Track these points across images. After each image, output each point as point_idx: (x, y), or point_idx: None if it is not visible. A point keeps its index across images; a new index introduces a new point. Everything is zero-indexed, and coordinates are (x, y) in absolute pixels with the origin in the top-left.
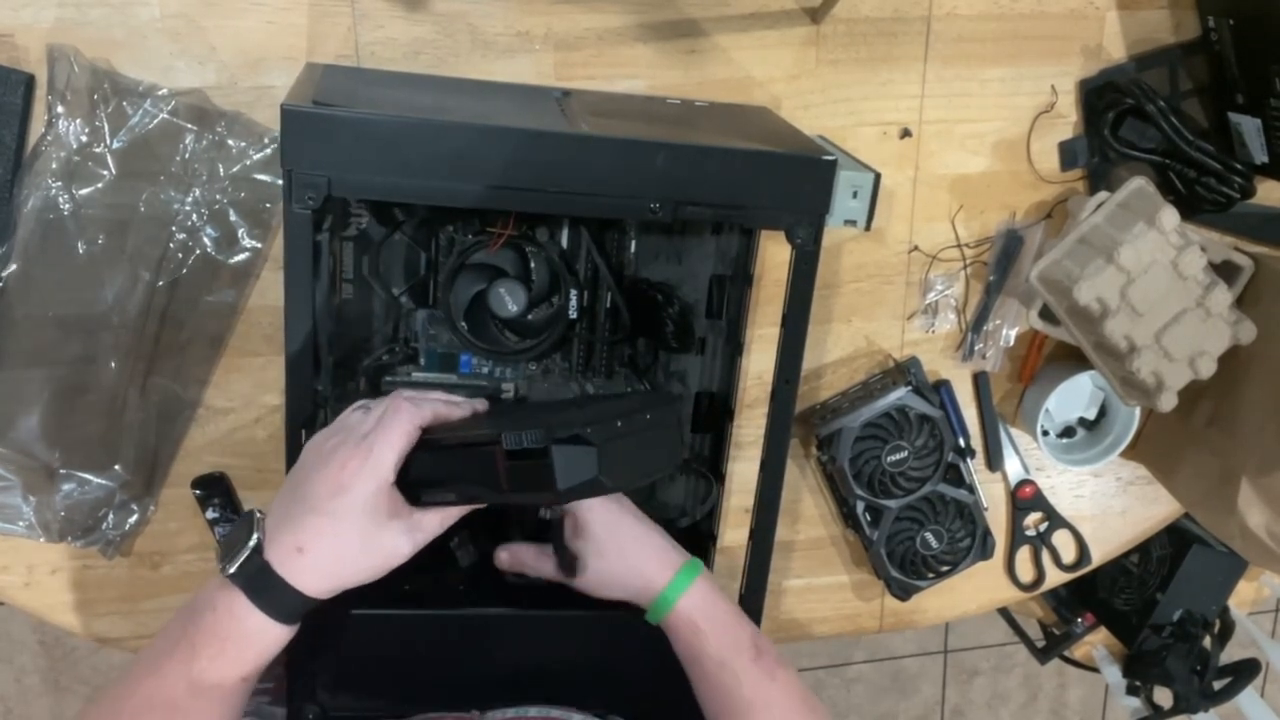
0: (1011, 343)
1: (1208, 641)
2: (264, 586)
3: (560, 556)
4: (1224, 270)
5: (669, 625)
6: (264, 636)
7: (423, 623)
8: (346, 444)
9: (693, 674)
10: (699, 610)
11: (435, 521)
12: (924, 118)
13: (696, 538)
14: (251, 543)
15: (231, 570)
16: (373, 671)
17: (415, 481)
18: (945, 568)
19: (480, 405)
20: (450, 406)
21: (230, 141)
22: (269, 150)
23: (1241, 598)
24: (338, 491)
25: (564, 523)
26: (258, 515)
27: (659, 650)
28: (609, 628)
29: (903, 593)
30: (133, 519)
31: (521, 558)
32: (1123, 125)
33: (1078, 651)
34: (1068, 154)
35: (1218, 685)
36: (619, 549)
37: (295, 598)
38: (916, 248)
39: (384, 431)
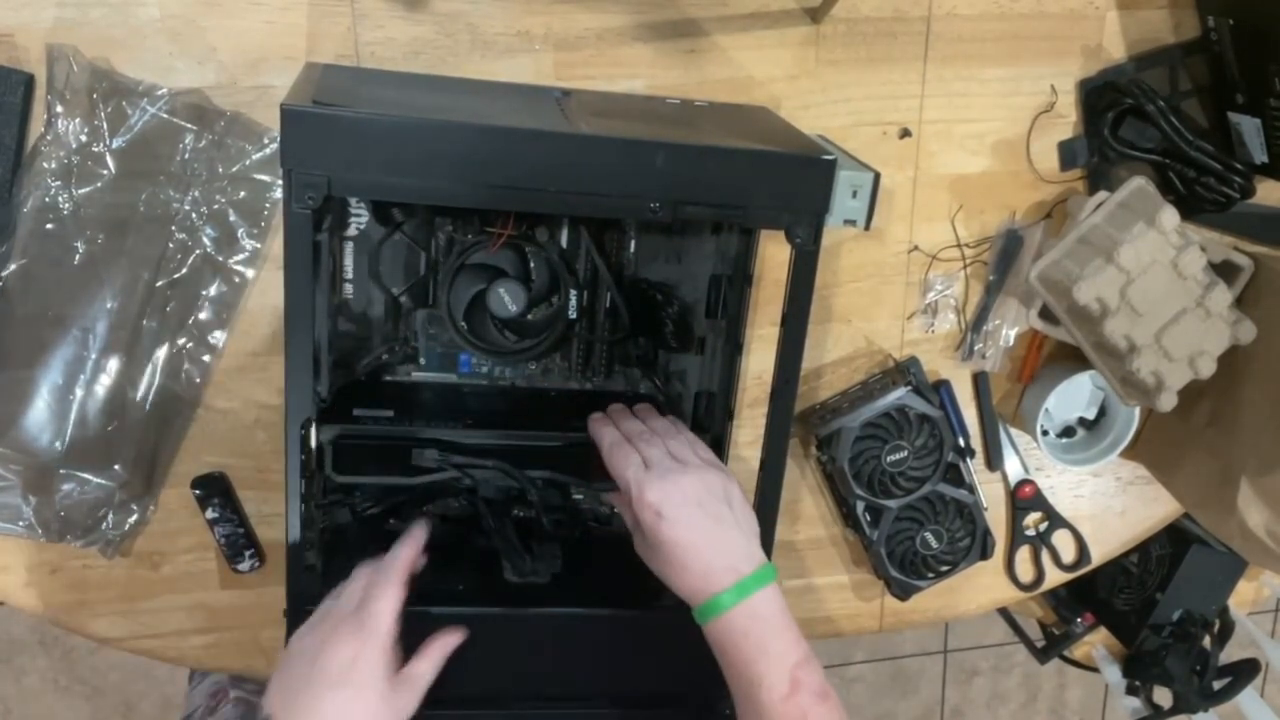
0: (1011, 343)
1: (1207, 641)
2: None
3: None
4: (1224, 270)
5: (707, 636)
6: None
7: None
8: (343, 622)
9: (729, 685)
10: (728, 637)
11: (426, 667)
12: (924, 118)
13: None
14: None
15: None
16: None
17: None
18: (945, 568)
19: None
20: (410, 546)
21: (230, 141)
22: (269, 150)
23: (1241, 598)
24: (352, 662)
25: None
26: (263, 715)
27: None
28: (621, 625)
29: (903, 593)
30: (132, 519)
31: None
32: (1122, 125)
33: (1077, 651)
34: (1067, 154)
35: (1217, 685)
36: (662, 561)
37: None
38: (916, 248)
39: (375, 599)
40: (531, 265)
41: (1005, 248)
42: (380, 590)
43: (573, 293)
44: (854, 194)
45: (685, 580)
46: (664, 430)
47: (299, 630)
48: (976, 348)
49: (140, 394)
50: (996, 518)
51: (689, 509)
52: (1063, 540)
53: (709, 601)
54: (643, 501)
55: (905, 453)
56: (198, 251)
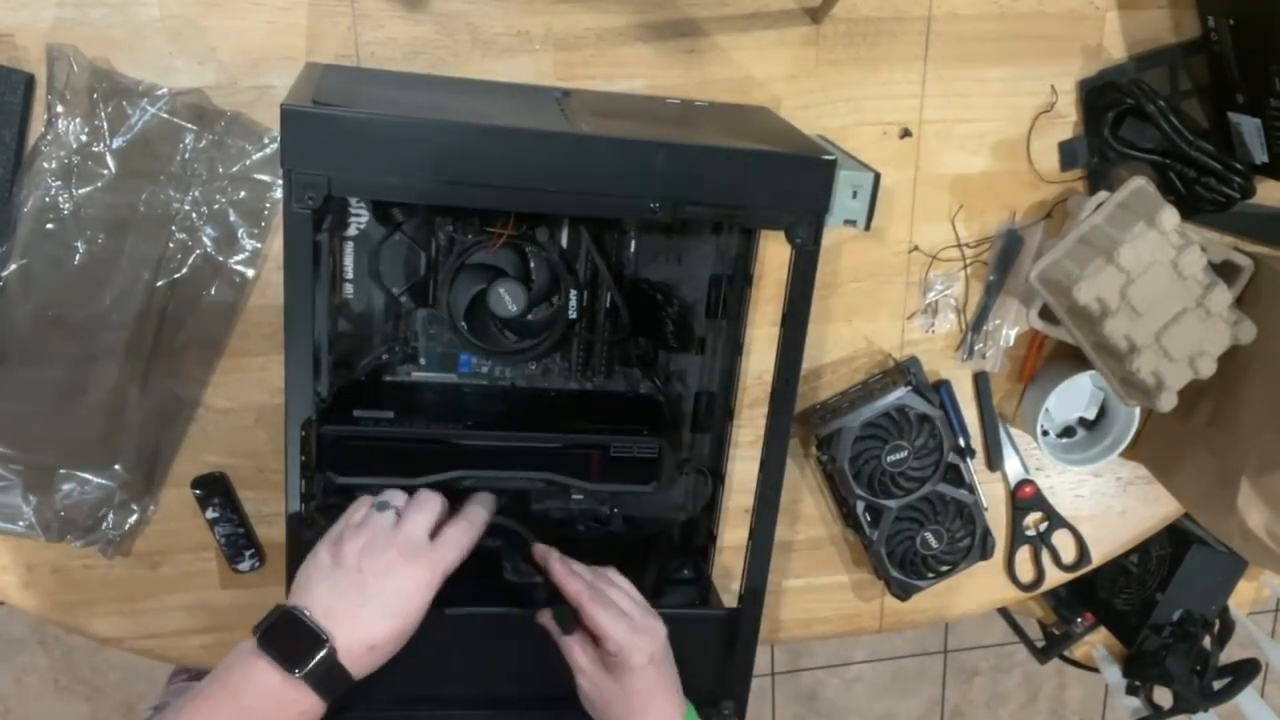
0: (1011, 343)
1: (1207, 641)
2: (332, 685)
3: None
4: (1224, 270)
5: None
6: (304, 709)
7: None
8: (415, 553)
9: None
10: None
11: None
12: (924, 118)
13: (696, 537)
14: (323, 651)
15: (302, 674)
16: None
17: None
18: (945, 568)
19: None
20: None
21: (230, 141)
22: (269, 150)
23: (1241, 598)
24: (410, 596)
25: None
26: (304, 613)
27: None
28: None
29: (903, 593)
30: (132, 519)
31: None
32: (1123, 125)
33: (1077, 651)
34: (1068, 154)
35: (1217, 685)
36: (628, 709)
37: (350, 683)
38: (916, 248)
39: (450, 550)
40: (531, 265)
41: (1005, 248)
42: (457, 541)
43: (573, 293)
44: (854, 194)
45: None
46: (609, 579)
47: (346, 534)
48: (976, 348)
49: (140, 394)
50: (996, 518)
51: (669, 656)
52: (1063, 540)
53: None
54: (639, 654)
55: (905, 453)
56: (198, 251)
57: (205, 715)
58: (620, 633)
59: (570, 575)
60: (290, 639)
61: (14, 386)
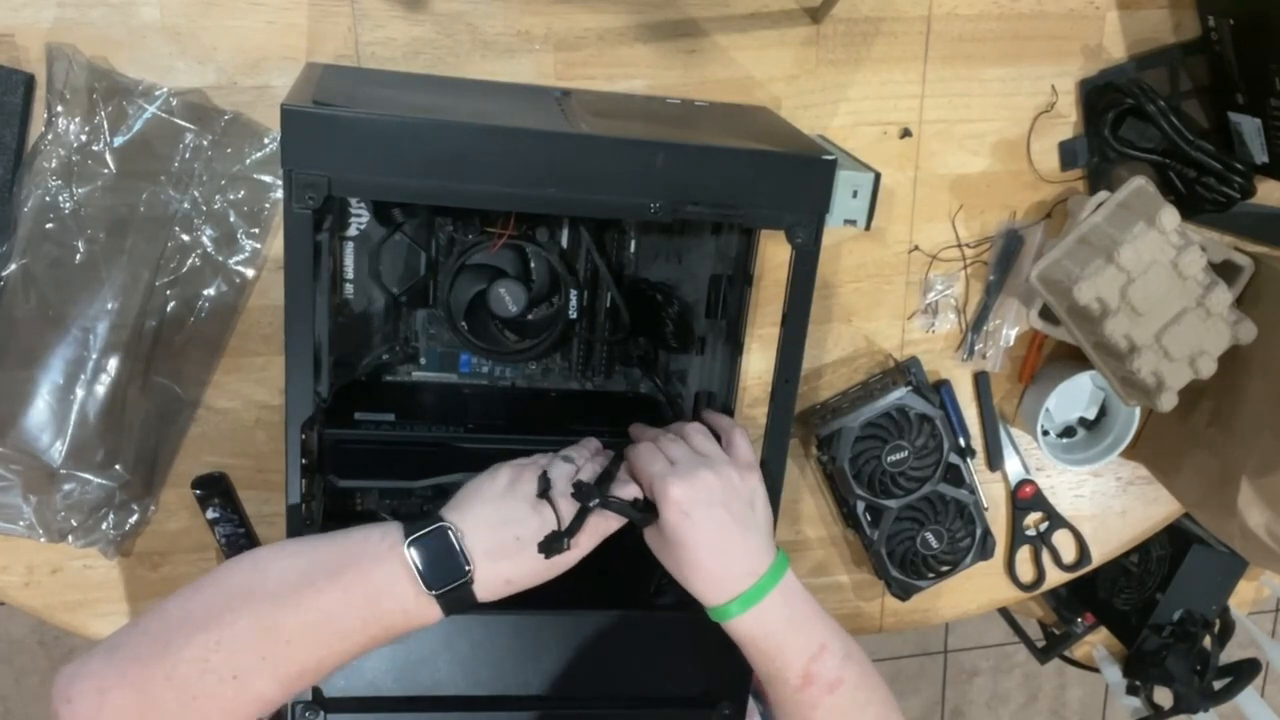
0: (1011, 343)
1: (1208, 641)
2: (459, 606)
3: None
4: (1224, 270)
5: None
6: (426, 620)
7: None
8: (535, 537)
9: (754, 669)
10: (744, 635)
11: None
12: (924, 118)
13: None
14: (460, 582)
15: (438, 593)
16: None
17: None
18: (945, 568)
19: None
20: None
21: (230, 141)
22: (269, 150)
23: (1241, 598)
24: (531, 574)
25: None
26: (458, 535)
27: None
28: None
29: (903, 593)
30: (133, 519)
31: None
32: (1123, 125)
33: (1078, 651)
34: (1068, 154)
35: (1218, 685)
36: (677, 560)
37: (475, 606)
38: (916, 248)
39: (597, 533)
40: (532, 265)
41: (1005, 248)
42: (605, 529)
43: (573, 293)
44: (854, 194)
45: (699, 581)
46: (690, 431)
47: (521, 465)
48: (977, 348)
49: (140, 394)
50: (997, 518)
51: (714, 509)
52: (1063, 540)
53: (723, 607)
54: (667, 499)
55: (905, 453)
56: (198, 251)
57: (343, 603)
58: (652, 472)
59: (636, 435)
60: (437, 557)
61: (14, 386)
